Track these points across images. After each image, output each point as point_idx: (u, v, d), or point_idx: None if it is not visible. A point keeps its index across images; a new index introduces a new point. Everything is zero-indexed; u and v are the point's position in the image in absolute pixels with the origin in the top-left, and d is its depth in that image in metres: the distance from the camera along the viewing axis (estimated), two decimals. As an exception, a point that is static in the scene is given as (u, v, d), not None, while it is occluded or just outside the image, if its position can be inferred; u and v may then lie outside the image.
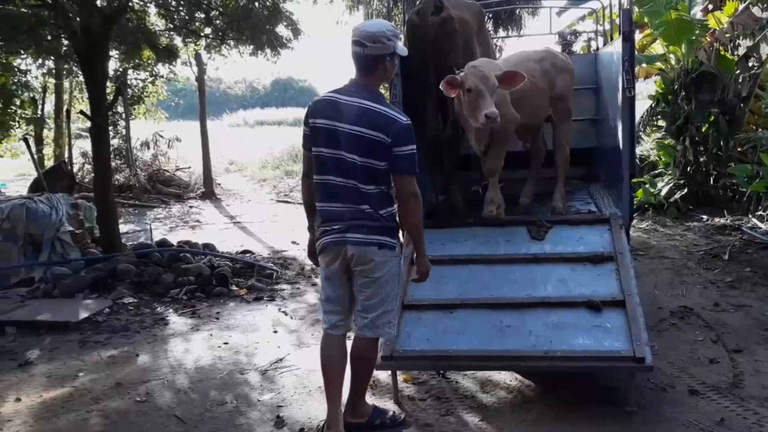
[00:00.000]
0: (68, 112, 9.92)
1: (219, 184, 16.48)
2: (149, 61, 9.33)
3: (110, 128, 14.51)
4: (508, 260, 4.78)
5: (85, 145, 15.29)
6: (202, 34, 8.50)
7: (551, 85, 5.65)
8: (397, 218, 3.53)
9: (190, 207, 13.90)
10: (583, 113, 6.82)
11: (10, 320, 6.01)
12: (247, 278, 7.41)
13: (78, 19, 6.61)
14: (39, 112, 12.95)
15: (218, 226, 11.58)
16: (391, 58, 3.46)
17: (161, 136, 15.80)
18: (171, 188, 15.31)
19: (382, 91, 3.64)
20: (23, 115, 9.74)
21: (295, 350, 5.22)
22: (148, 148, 15.82)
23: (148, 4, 7.98)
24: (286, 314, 6.18)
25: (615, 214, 5.13)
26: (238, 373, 4.79)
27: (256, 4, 6.79)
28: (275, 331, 5.71)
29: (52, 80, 12.99)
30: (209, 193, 15.02)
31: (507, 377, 4.43)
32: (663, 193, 9.50)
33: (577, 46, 8.39)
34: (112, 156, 15.28)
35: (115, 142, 15.22)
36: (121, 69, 12.69)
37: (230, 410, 4.18)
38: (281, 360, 5.01)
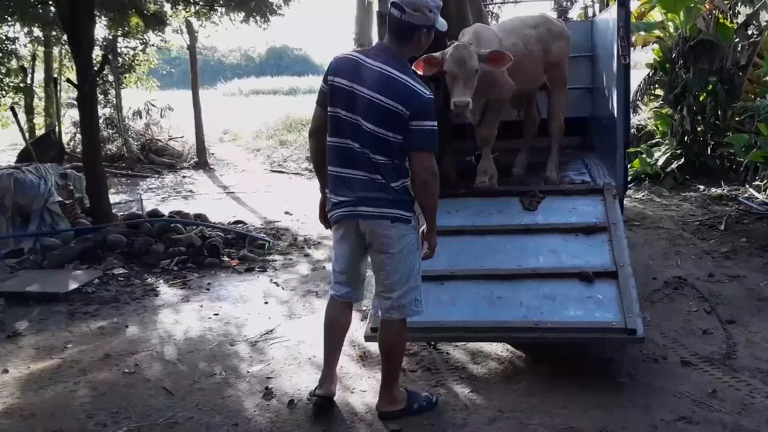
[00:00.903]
0: (56, 80, 9.76)
1: (212, 154, 16.34)
2: (138, 29, 9.11)
3: (100, 97, 14.43)
4: (500, 231, 4.72)
5: (76, 114, 15.09)
6: (191, 0, 8.32)
7: (546, 52, 5.52)
8: (411, 191, 3.33)
9: (183, 177, 13.80)
10: (579, 81, 6.70)
11: (-2, 291, 5.95)
12: (239, 249, 7.35)
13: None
14: (28, 80, 12.82)
15: (211, 196, 11.49)
16: (428, 31, 3.24)
17: (153, 105, 15.60)
18: (164, 158, 15.18)
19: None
20: (10, 84, 9.56)
21: (285, 321, 5.18)
22: (140, 117, 15.62)
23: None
24: (277, 285, 6.13)
25: (609, 184, 5.06)
26: (228, 345, 4.75)
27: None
28: (266, 302, 5.66)
29: (41, 48, 12.76)
30: (202, 162, 14.89)
31: (498, 348, 4.39)
32: (660, 162, 9.42)
33: (574, 13, 8.26)
34: (103, 125, 15.22)
35: (106, 111, 15.08)
36: (110, 36, 12.47)
37: (219, 382, 4.13)
38: (271, 331, 4.97)
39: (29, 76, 12.96)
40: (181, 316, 5.43)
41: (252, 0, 7.42)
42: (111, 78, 14.12)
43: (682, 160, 9.36)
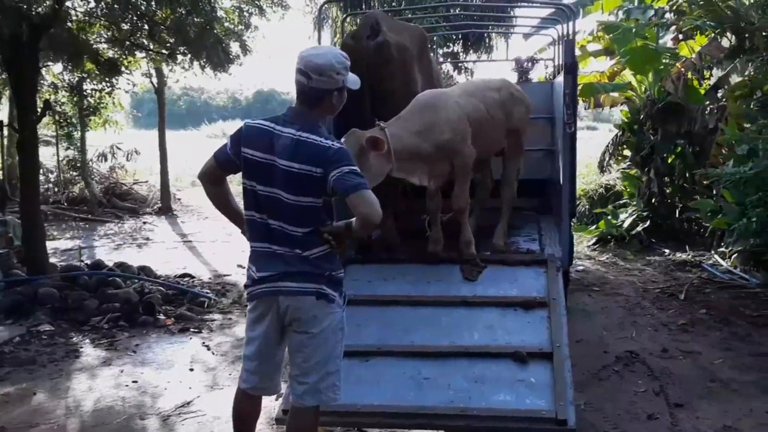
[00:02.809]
0: (0, 123, 9.49)
1: (179, 199, 16.02)
2: (94, 73, 8.88)
3: (64, 139, 14.16)
4: (436, 302, 4.41)
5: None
6: (145, 47, 8.11)
7: (508, 117, 5.29)
8: (331, 263, 3.04)
9: (144, 223, 13.43)
10: (538, 143, 6.50)
11: None
12: (179, 306, 6.99)
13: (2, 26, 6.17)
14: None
15: (167, 245, 11.13)
16: (339, 92, 3.03)
17: (119, 149, 15.28)
18: (127, 202, 14.81)
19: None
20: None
21: (206, 392, 4.81)
22: (105, 159, 15.30)
23: (80, 14, 7.56)
24: (208, 349, 5.77)
25: (552, 255, 4.79)
26: (138, 419, 4.38)
27: (190, 19, 6.41)
28: (191, 369, 5.30)
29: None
30: (166, 208, 14.53)
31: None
32: (626, 225, 9.22)
33: (535, 74, 8.16)
34: (66, 167, 14.93)
35: (69, 153, 14.79)
36: (75, 79, 12.23)
37: (115, 465, 3.76)
38: (188, 404, 4.60)
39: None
40: (96, 382, 5.05)
41: (206, 50, 7.18)
42: (75, 120, 13.81)
43: (648, 222, 9.17)
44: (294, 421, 3.15)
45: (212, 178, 3.20)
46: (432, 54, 12.50)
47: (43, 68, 9.83)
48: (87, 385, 4.98)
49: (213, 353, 5.67)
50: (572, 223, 10.07)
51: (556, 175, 6.13)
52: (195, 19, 6.47)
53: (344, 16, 5.55)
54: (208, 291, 7.54)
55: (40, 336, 6.02)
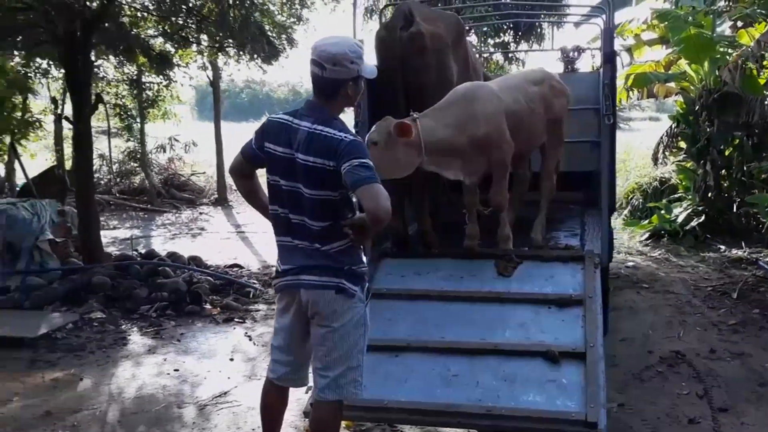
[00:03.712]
0: (60, 116, 9.81)
1: (235, 190, 16.28)
2: (150, 67, 9.10)
3: (125, 131, 14.59)
4: (469, 298, 4.36)
5: (100, 146, 15.27)
6: (194, 41, 8.27)
7: (548, 110, 5.19)
8: (352, 256, 3.06)
9: (200, 213, 13.74)
10: (584, 134, 6.34)
11: (-34, 333, 5.82)
12: (226, 296, 7.13)
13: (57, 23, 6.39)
14: (58, 111, 12.94)
15: (221, 235, 11.36)
16: (355, 82, 3.03)
17: (177, 140, 15.67)
18: (185, 193, 15.20)
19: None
20: (16, 119, 9.62)
21: (244, 382, 4.90)
22: (164, 151, 15.71)
23: (132, 9, 7.75)
24: (250, 339, 5.87)
25: (590, 251, 4.68)
26: (176, 407, 4.50)
27: (232, 12, 6.50)
28: (231, 359, 5.41)
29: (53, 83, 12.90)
30: (222, 199, 14.85)
31: (457, 429, 4.02)
32: (680, 219, 8.92)
33: (582, 63, 7.92)
34: (126, 159, 15.39)
35: (130, 144, 15.24)
36: (136, 72, 12.59)
37: (150, 452, 3.88)
38: (225, 394, 4.70)
39: (60, 107, 13.13)
40: (140, 370, 5.20)
41: (252, 43, 7.26)
42: (135, 113, 14.24)
43: (703, 217, 8.84)
44: (316, 414, 3.18)
45: (241, 173, 3.26)
46: (482, 44, 12.48)
47: (100, 62, 10.15)
48: (131, 373, 5.13)
49: (254, 344, 5.77)
50: (624, 218, 9.92)
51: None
52: (237, 12, 6.54)
53: (384, 5, 5.49)
54: (255, 281, 7.66)
55: (91, 323, 6.24)
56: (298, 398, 3.99)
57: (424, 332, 4.11)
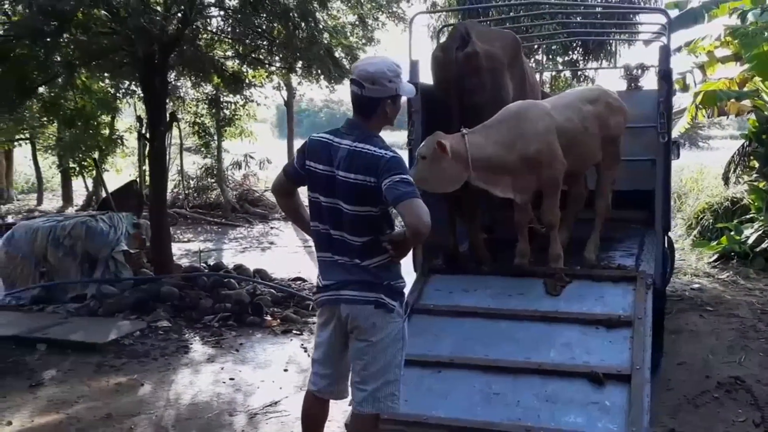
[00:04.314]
0: (139, 133, 10.36)
1: (306, 206, 16.64)
2: (226, 88, 9.48)
3: (203, 149, 15.16)
4: (515, 316, 4.37)
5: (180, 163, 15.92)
6: (266, 62, 8.58)
7: (604, 128, 5.15)
8: (391, 271, 3.14)
9: (272, 228, 14.10)
10: (647, 153, 6.23)
11: (43, 337, 6.20)
12: (286, 308, 7.32)
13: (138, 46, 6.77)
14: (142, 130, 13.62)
15: (289, 249, 11.64)
16: (393, 101, 3.15)
17: (252, 157, 16.17)
18: (258, 208, 15.63)
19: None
20: (103, 137, 10.20)
21: (295, 393, 5.03)
22: (240, 168, 16.24)
23: (207, 32, 8.11)
24: (305, 350, 6.01)
25: (643, 272, 4.60)
26: (227, 415, 4.67)
27: (298, 33, 6.72)
28: (285, 370, 5.56)
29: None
30: (292, 214, 15.18)
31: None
32: (750, 241, 8.59)
33: (645, 81, 7.76)
34: (204, 175, 15.97)
35: (207, 161, 15.82)
36: (214, 92, 13.09)
37: (200, 456, 4.04)
38: (276, 403, 4.85)
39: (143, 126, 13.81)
40: (198, 377, 5.41)
41: (318, 63, 7.48)
42: (213, 131, 14.79)
43: (776, 239, 8.50)
44: (353, 427, 3.27)
45: (283, 191, 3.40)
46: (550, 62, 12.40)
47: (179, 83, 10.64)
48: (189, 380, 5.35)
49: (308, 355, 5.89)
50: (694, 239, 9.61)
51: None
52: (301, 34, 6.77)
53: (441, 26, 5.58)
54: (315, 295, 7.82)
55: (157, 331, 6.53)
56: (344, 410, 4.09)
57: (469, 349, 4.15)
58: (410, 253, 4.87)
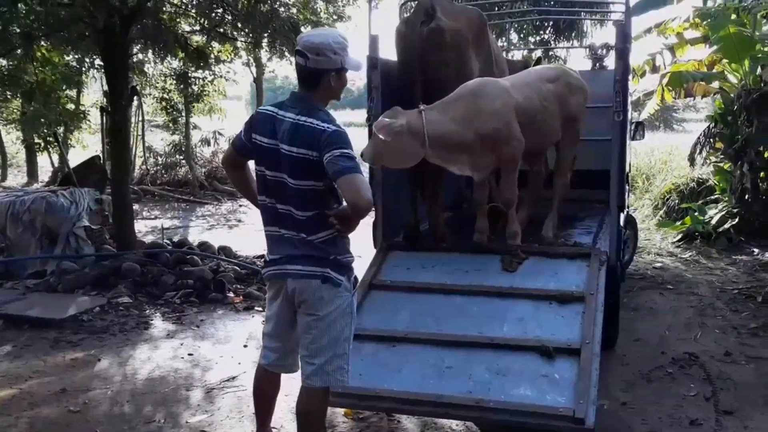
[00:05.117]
0: (102, 108, 10.18)
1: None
2: (182, 61, 9.33)
3: (171, 125, 14.98)
4: (470, 292, 4.39)
5: (149, 139, 15.72)
6: (231, 36, 8.46)
7: (563, 107, 5.16)
8: (338, 246, 3.12)
9: (240, 206, 13.98)
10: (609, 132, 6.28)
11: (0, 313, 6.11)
12: (249, 285, 7.29)
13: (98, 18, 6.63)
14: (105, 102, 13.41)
15: (256, 227, 11.53)
16: (338, 74, 3.10)
17: (221, 134, 16.01)
18: (227, 186, 15.45)
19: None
20: (68, 111, 10.03)
21: (253, 368, 4.83)
22: (208, 144, 16.07)
23: (170, 5, 7.97)
24: (266, 327, 6.00)
25: (597, 248, 4.65)
26: (184, 389, 4.65)
27: (260, 7, 6.63)
28: (245, 346, 5.54)
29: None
30: (262, 192, 15.10)
31: (452, 421, 4.07)
32: (714, 221, 8.72)
33: (609, 61, 7.73)
34: (172, 151, 15.79)
35: (175, 137, 15.63)
36: (182, 68, 12.90)
37: (153, 430, 4.02)
38: (234, 378, 4.83)
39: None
40: (156, 353, 5.38)
41: (282, 38, 7.39)
42: (181, 107, 14.61)
43: (738, 219, 8.62)
44: (303, 400, 3.25)
45: (232, 164, 3.37)
46: (522, 41, 12.39)
47: (143, 57, 10.47)
48: (147, 355, 5.32)
49: (268, 332, 5.89)
50: (660, 219, 9.72)
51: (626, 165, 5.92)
52: (263, 7, 6.67)
53: (404, 0, 5.50)
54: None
55: (117, 307, 6.46)
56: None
57: (423, 324, 4.16)
58: (372, 230, 4.95)
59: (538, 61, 6.25)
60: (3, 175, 17.66)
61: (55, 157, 14.96)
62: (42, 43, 7.82)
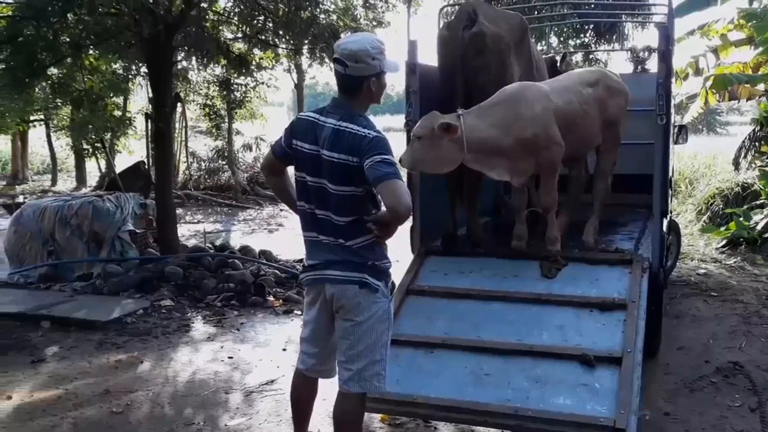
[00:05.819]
0: (147, 115, 10.41)
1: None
2: (224, 68, 9.50)
3: (214, 130, 15.24)
4: (508, 298, 4.35)
5: (192, 144, 16.03)
6: (272, 43, 8.56)
7: (604, 111, 5.10)
8: (376, 252, 3.13)
9: (281, 210, 14.13)
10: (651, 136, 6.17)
11: (47, 315, 6.27)
12: (289, 289, 7.35)
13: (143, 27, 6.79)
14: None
15: (296, 231, 11.44)
16: (378, 78, 3.11)
17: (263, 140, 16.23)
18: (268, 191, 15.66)
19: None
20: (114, 117, 10.28)
21: (291, 371, 4.97)
22: (250, 150, 16.30)
23: (213, 13, 8.11)
24: (305, 331, 6.04)
25: (639, 255, 4.57)
26: (223, 392, 4.71)
27: (301, 14, 6.70)
28: (284, 349, 5.59)
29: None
30: (302, 197, 15.26)
31: (489, 429, 4.03)
32: (759, 227, 8.49)
33: (651, 64, 7.62)
34: (215, 156, 16.06)
35: (218, 143, 15.89)
36: (225, 74, 13.11)
37: (192, 433, 4.09)
38: (272, 382, 4.88)
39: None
40: (197, 356, 5.46)
41: (323, 45, 7.47)
42: (224, 113, 14.86)
43: (785, 225, 8.40)
44: (339, 406, 3.26)
45: (271, 170, 3.40)
46: (562, 45, 12.27)
47: (186, 63, 10.67)
48: (188, 358, 5.41)
49: (307, 336, 5.93)
50: (703, 224, 9.52)
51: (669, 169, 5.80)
52: (304, 14, 6.75)
53: (444, 5, 5.51)
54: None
55: (160, 310, 6.58)
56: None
57: (460, 330, 4.14)
58: (408, 236, 4.95)
59: (563, 57, 6.12)
60: (53, 179, 18.19)
61: (103, 163, 15.36)
62: (90, 51, 8.02)
